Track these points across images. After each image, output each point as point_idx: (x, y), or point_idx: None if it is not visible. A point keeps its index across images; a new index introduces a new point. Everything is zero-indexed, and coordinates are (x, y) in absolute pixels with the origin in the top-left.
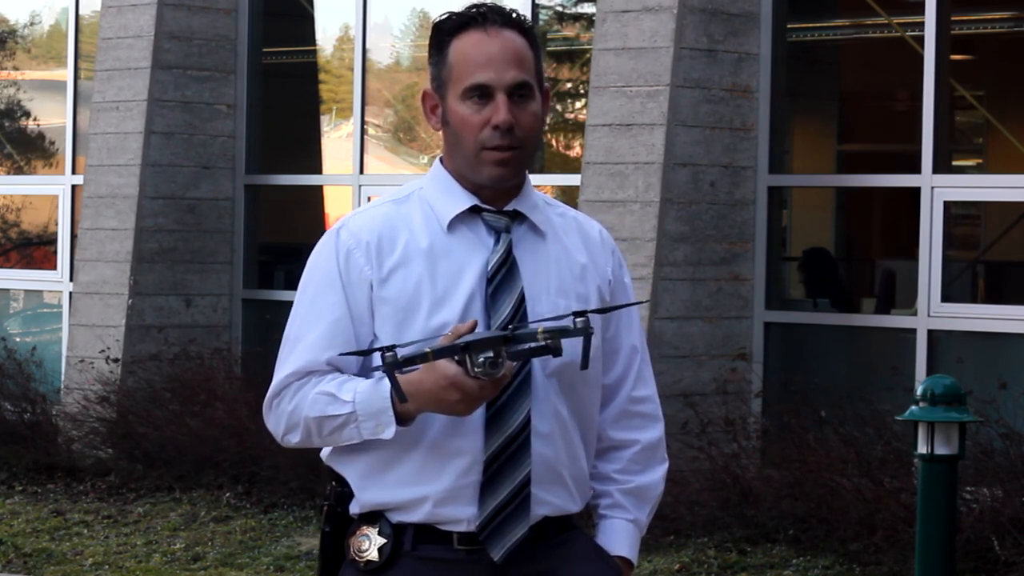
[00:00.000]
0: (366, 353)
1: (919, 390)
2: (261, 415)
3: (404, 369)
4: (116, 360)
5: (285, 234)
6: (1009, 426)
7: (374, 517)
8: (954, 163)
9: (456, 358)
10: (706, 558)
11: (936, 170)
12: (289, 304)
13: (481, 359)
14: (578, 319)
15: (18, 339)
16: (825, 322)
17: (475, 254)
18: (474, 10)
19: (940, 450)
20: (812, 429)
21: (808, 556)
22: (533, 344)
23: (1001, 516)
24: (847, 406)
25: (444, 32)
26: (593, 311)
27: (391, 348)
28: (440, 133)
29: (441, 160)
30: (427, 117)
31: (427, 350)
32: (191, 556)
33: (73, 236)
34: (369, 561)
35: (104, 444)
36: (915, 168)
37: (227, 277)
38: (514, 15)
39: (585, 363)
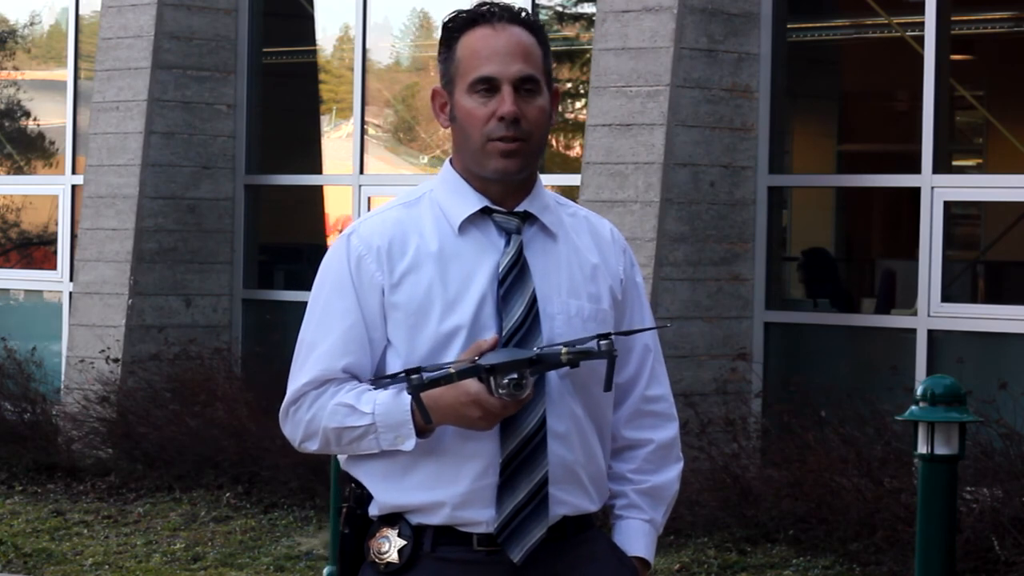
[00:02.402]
0: (394, 377)
1: (919, 390)
2: (261, 415)
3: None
4: (116, 360)
5: (285, 234)
6: (1009, 426)
7: (393, 519)
8: (954, 163)
9: (480, 377)
10: (706, 558)
11: (936, 170)
12: (289, 304)
13: (506, 380)
14: (602, 342)
15: (18, 339)
16: (825, 322)
17: (486, 256)
18: (483, 8)
19: (940, 450)
20: (812, 429)
21: (808, 556)
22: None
23: (1001, 516)
24: (847, 406)
25: (453, 29)
26: (617, 333)
27: (417, 371)
28: (447, 132)
29: (451, 161)
30: (436, 115)
31: (452, 371)
32: (191, 556)
33: (73, 236)
34: (389, 563)
35: (104, 444)
36: (915, 168)
37: (227, 277)
38: (523, 13)
39: (608, 385)
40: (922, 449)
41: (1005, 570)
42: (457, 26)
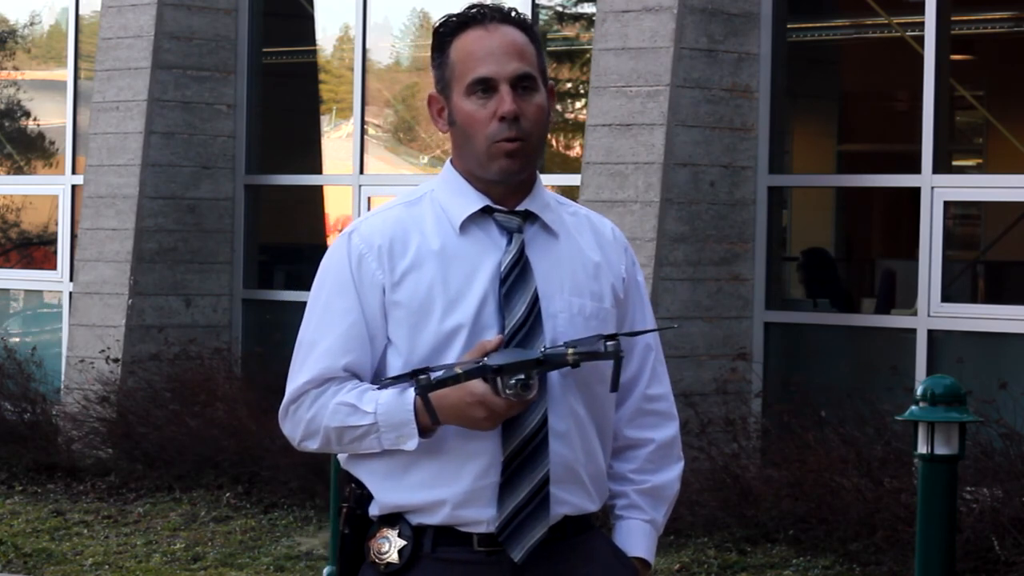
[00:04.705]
0: (402, 379)
1: (919, 390)
2: (261, 415)
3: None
4: (116, 360)
5: (285, 234)
6: (1009, 426)
7: (393, 519)
8: (954, 163)
9: (486, 377)
10: (706, 558)
11: (936, 170)
12: (289, 304)
13: (513, 381)
14: (609, 342)
15: (18, 339)
16: (825, 322)
17: (487, 255)
18: (473, 10)
19: (940, 450)
20: (812, 429)
21: (808, 556)
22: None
23: (1001, 516)
24: (847, 406)
25: (444, 34)
26: (623, 334)
27: (425, 371)
28: (446, 135)
29: (452, 161)
30: (434, 121)
31: (458, 371)
32: (191, 556)
33: (73, 236)
34: (389, 563)
35: (104, 444)
36: (915, 168)
37: (227, 277)
38: (513, 13)
39: (615, 386)
40: (922, 449)
41: (1005, 570)
42: (448, 30)
